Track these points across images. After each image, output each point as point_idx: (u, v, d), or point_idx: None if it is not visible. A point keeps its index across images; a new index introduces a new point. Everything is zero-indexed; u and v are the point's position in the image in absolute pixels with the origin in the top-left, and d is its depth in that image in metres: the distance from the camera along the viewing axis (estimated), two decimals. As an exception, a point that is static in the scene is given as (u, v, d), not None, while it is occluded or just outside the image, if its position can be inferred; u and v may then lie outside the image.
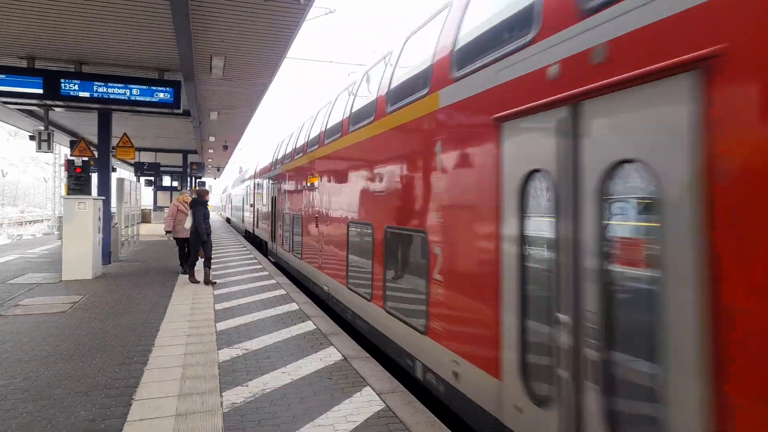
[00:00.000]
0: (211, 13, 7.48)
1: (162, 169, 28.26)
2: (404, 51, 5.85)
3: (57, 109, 11.52)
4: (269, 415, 3.93)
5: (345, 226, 7.53)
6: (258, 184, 19.92)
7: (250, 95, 12.79)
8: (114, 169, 17.54)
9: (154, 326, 6.57)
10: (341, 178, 7.97)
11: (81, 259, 10.25)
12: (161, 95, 10.36)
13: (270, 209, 16.01)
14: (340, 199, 7.89)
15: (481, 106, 3.80)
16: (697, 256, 2.11)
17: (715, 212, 2.06)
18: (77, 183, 11.88)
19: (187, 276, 10.62)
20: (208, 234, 9.90)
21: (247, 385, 4.55)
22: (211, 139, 20.14)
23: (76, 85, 9.92)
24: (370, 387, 4.57)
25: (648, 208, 2.46)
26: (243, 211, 27.99)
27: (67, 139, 17.76)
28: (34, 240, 22.95)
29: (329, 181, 8.72)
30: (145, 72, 10.43)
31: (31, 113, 14.04)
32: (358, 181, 7.01)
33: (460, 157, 4.17)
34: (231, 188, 42.91)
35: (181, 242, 11.14)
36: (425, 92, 4.82)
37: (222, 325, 6.71)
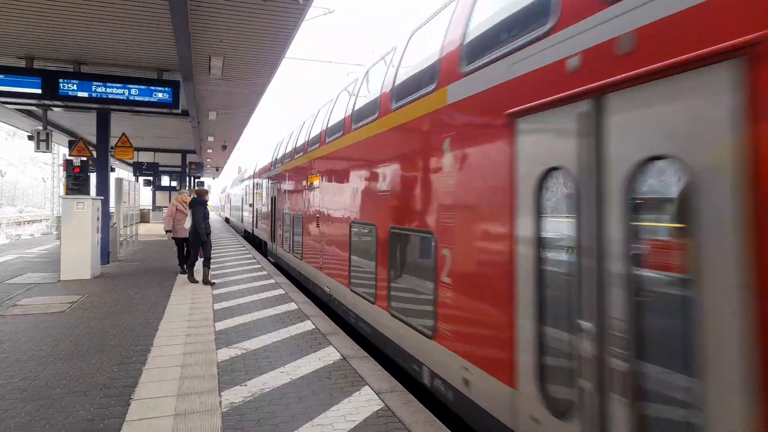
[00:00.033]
0: (210, 13, 7.48)
1: (161, 169, 28.26)
2: (409, 46, 5.67)
3: (55, 109, 11.51)
4: (268, 414, 3.94)
5: (347, 227, 7.36)
6: (257, 184, 19.81)
7: (249, 95, 12.79)
8: (113, 169, 17.53)
9: (153, 326, 6.57)
10: (343, 177, 7.79)
11: (79, 259, 10.24)
12: (160, 95, 10.35)
13: (269, 209, 15.89)
14: (342, 199, 7.73)
15: (493, 102, 3.64)
16: (739, 259, 1.97)
17: (758, 211, 1.92)
18: (76, 183, 11.87)
19: (185, 276, 10.62)
20: (208, 234, 9.90)
21: (245, 385, 4.55)
22: (210, 139, 20.13)
23: (75, 85, 9.91)
24: (369, 386, 4.58)
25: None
26: (242, 211, 27.92)
27: (65, 139, 17.74)
28: (32, 240, 22.91)
29: (331, 180, 8.54)
30: (144, 72, 10.42)
31: (29, 113, 14.03)
32: (360, 180, 6.84)
33: (470, 155, 4.00)
34: (230, 188, 42.86)
35: (179, 242, 11.14)
36: (432, 88, 4.65)
37: (221, 325, 6.71)
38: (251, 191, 22.28)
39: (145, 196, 28.23)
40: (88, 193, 11.87)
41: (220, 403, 4.14)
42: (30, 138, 12.00)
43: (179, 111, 10.89)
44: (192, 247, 10.12)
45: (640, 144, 2.42)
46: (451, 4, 4.70)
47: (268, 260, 14.92)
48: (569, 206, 2.91)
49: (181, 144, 22.20)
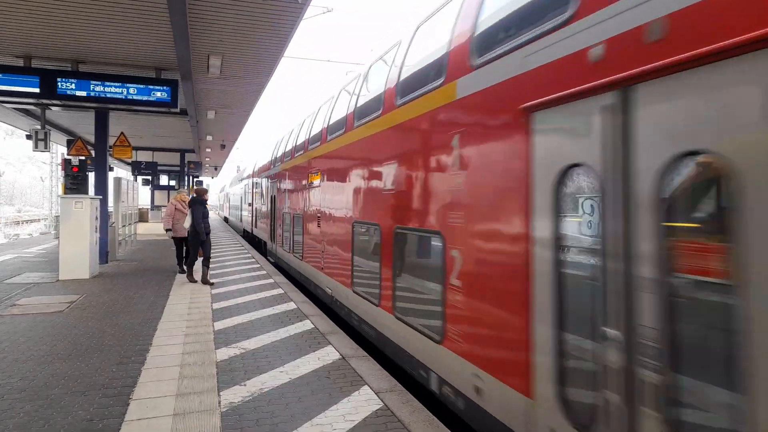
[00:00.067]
0: (209, 12, 7.46)
1: (159, 168, 28.23)
2: (415, 40, 5.48)
3: (54, 108, 11.48)
4: (267, 414, 3.93)
5: (350, 227, 7.19)
6: (257, 183, 19.69)
7: (248, 94, 12.77)
8: (111, 169, 17.50)
9: (152, 325, 6.56)
10: (346, 176, 7.59)
11: (78, 259, 10.23)
12: (158, 94, 10.33)
13: (269, 208, 15.76)
14: (344, 198, 7.55)
15: (507, 95, 3.47)
16: None
17: None
18: (74, 182, 11.85)
19: (184, 275, 10.62)
20: (207, 233, 9.88)
21: (245, 385, 4.55)
22: (209, 138, 20.11)
23: (73, 84, 9.89)
24: (368, 386, 4.58)
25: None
26: (241, 210, 27.84)
27: (64, 138, 17.70)
28: (31, 239, 22.87)
29: (332, 179, 8.36)
30: (143, 71, 10.40)
31: (27, 112, 14.00)
32: (363, 179, 6.66)
33: (482, 151, 3.81)
34: (229, 187, 42.79)
35: (178, 241, 11.13)
36: (440, 82, 4.47)
37: (220, 325, 6.70)
38: (250, 190, 22.18)
39: (143, 195, 28.22)
40: (86, 193, 11.85)
41: (219, 402, 4.14)
42: (28, 137, 11.98)
43: (178, 110, 10.87)
44: (192, 246, 10.10)
45: (674, 138, 2.24)
46: None
47: (268, 260, 14.81)
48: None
49: (179, 143, 22.17)
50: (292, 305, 8.05)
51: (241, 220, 27.87)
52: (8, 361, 5.07)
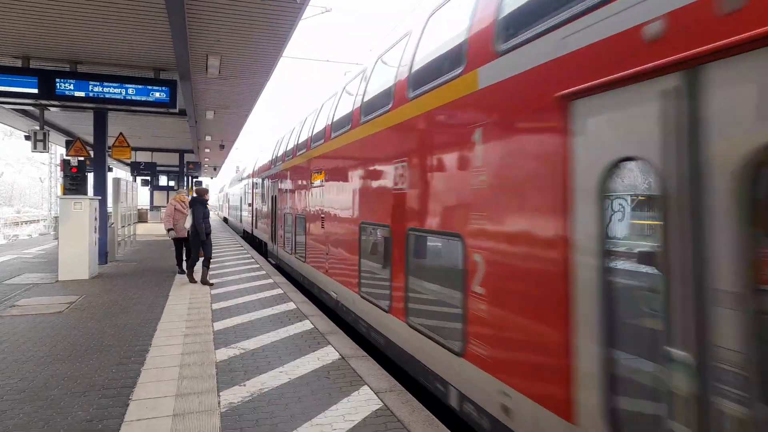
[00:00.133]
0: (207, 12, 7.46)
1: (158, 168, 28.18)
2: (427, 29, 5.15)
3: (52, 108, 11.48)
4: (267, 414, 3.94)
5: (356, 228, 6.84)
6: (257, 183, 19.54)
7: (247, 94, 12.76)
8: (110, 169, 17.49)
9: (151, 326, 6.56)
10: (352, 175, 7.22)
11: (77, 259, 10.22)
12: (157, 95, 10.32)
13: (270, 209, 15.53)
14: (350, 197, 7.22)
15: (539, 83, 3.13)
16: None
17: None
18: (73, 183, 11.84)
19: (184, 276, 10.61)
20: (208, 233, 9.87)
21: (244, 385, 4.55)
22: (208, 138, 20.09)
23: (72, 85, 9.88)
24: (368, 386, 4.58)
25: None
26: (241, 210, 27.77)
27: (62, 138, 17.68)
28: (30, 240, 22.86)
29: (338, 178, 8.01)
30: (141, 71, 10.40)
31: (26, 113, 13.99)
32: (371, 178, 6.31)
33: (509, 145, 3.47)
34: (228, 187, 42.73)
35: (178, 242, 11.12)
36: (459, 72, 4.13)
37: (219, 325, 6.70)
38: (250, 190, 22.07)
39: (142, 195, 28.20)
40: (85, 193, 11.84)
41: (219, 403, 4.14)
42: (27, 138, 11.97)
43: (176, 110, 10.87)
44: (192, 246, 10.09)
45: (757, 127, 1.90)
46: None
47: (269, 261, 14.65)
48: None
49: (178, 143, 22.16)
50: (291, 305, 8.05)
51: (240, 221, 27.80)
52: (8, 361, 5.07)
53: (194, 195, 10.26)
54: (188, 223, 10.31)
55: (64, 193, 11.77)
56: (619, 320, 2.55)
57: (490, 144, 3.69)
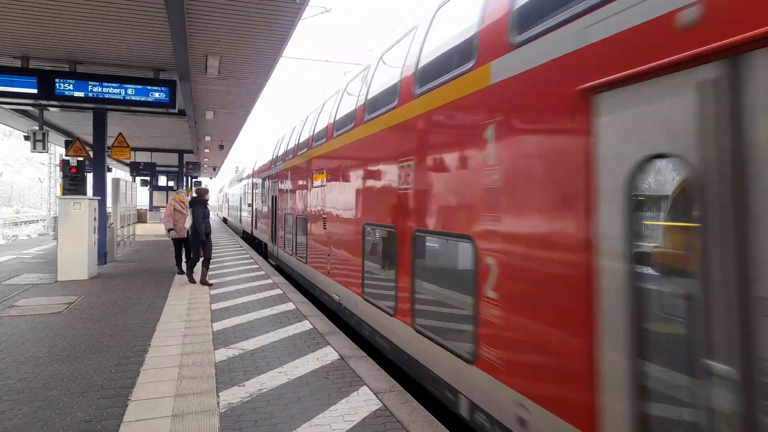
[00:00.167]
0: (207, 12, 7.45)
1: (158, 168, 28.17)
2: (434, 23, 4.98)
3: (52, 109, 11.48)
4: (266, 415, 3.93)
5: (360, 229, 6.68)
6: (256, 183, 19.45)
7: (246, 95, 12.76)
8: (110, 169, 17.49)
9: (151, 326, 6.56)
10: (355, 174, 7.02)
11: (76, 260, 10.22)
12: (156, 95, 10.32)
13: (270, 209, 15.40)
14: (353, 197, 7.04)
15: (558, 76, 2.97)
16: None
17: None
18: (72, 183, 11.83)
19: (183, 276, 10.61)
20: (208, 234, 9.85)
21: (243, 385, 4.55)
22: (207, 138, 20.09)
23: (71, 85, 9.87)
24: (367, 386, 4.58)
25: None
26: (240, 211, 27.71)
27: (62, 139, 17.67)
28: (29, 240, 22.84)
29: (340, 177, 7.80)
30: (141, 71, 10.39)
31: (25, 113, 13.98)
32: (376, 177, 6.11)
33: (525, 143, 3.30)
34: (228, 187, 42.71)
35: (177, 242, 11.11)
36: (470, 66, 3.96)
37: (218, 325, 6.70)
38: (250, 190, 22.00)
39: (142, 196, 28.19)
40: (84, 194, 11.84)
41: (218, 403, 4.14)
42: (26, 138, 11.96)
43: (176, 111, 10.86)
44: (192, 247, 10.08)
45: None
46: None
47: (269, 262, 14.55)
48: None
49: (178, 144, 22.15)
50: (290, 306, 8.05)
51: (240, 221, 27.75)
52: (7, 362, 5.06)
53: (194, 195, 10.25)
54: (188, 223, 10.30)
55: (64, 194, 11.76)
56: (650, 329, 2.38)
57: (504, 141, 3.50)
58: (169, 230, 10.79)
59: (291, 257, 11.93)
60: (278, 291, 9.35)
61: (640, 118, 2.39)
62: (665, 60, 2.22)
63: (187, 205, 10.65)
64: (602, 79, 2.57)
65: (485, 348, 3.65)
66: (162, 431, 3.62)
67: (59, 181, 13.57)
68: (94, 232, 10.92)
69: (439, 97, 4.48)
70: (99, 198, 11.62)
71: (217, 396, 4.29)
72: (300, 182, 10.98)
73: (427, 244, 4.87)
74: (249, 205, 22.42)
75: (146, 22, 7.83)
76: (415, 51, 5.21)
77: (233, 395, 4.32)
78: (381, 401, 4.23)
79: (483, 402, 3.67)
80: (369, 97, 6.60)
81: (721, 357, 1.99)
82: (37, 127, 11.62)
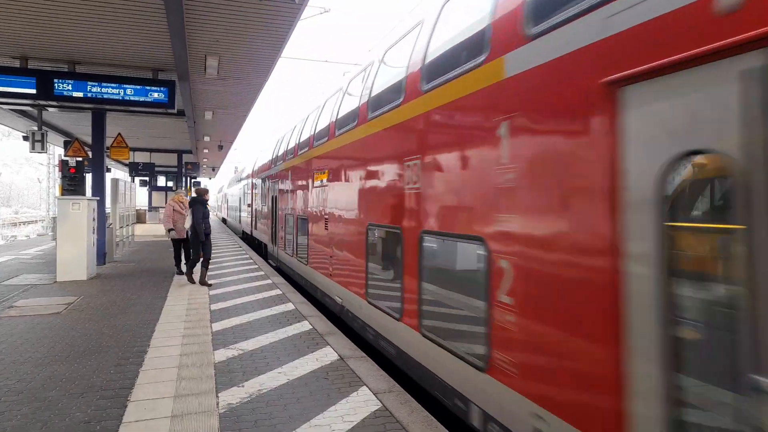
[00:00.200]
0: (206, 12, 7.45)
1: (157, 169, 28.14)
2: (442, 16, 4.82)
3: (50, 109, 11.45)
4: (265, 415, 3.93)
5: (363, 230, 6.48)
6: (256, 183, 19.34)
7: (245, 95, 12.76)
8: (108, 170, 17.48)
9: (150, 327, 6.55)
10: (358, 173, 6.85)
11: (75, 260, 10.21)
12: (155, 95, 10.31)
13: (270, 210, 15.26)
14: (356, 198, 6.87)
15: (579, 68, 2.80)
16: None
17: None
18: (71, 183, 11.81)
19: (182, 276, 10.60)
20: (207, 234, 9.84)
21: (243, 386, 4.54)
22: (206, 138, 20.07)
23: (70, 85, 9.86)
24: (367, 387, 4.57)
25: None
26: (240, 211, 27.67)
27: (61, 139, 17.65)
28: (28, 241, 22.82)
29: (343, 177, 7.63)
30: (139, 72, 10.38)
31: (24, 113, 13.96)
32: (380, 176, 5.94)
33: (543, 140, 3.14)
34: (227, 188, 42.67)
35: (177, 242, 11.10)
36: (481, 60, 3.78)
37: (218, 326, 6.69)
38: (249, 191, 21.90)
39: (141, 196, 28.16)
40: (83, 194, 11.82)
41: (218, 404, 4.13)
42: (25, 138, 11.93)
43: (175, 111, 10.86)
44: (193, 247, 10.07)
45: None
46: None
47: (269, 263, 14.46)
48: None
49: (177, 144, 22.14)
50: (290, 306, 8.04)
51: (240, 222, 27.69)
52: (6, 363, 5.05)
53: (194, 195, 10.25)
54: (188, 223, 10.28)
55: (63, 194, 11.74)
56: (686, 340, 2.22)
57: (519, 138, 3.33)
58: (169, 230, 10.77)
59: (292, 258, 11.81)
60: (278, 291, 9.34)
61: (673, 112, 2.22)
62: (704, 48, 2.05)
63: (187, 206, 10.64)
64: (630, 71, 2.40)
65: (499, 355, 3.47)
66: (161, 432, 3.62)
67: (58, 181, 13.55)
68: (93, 233, 10.91)
69: (448, 93, 4.31)
70: (98, 198, 11.61)
71: (217, 397, 4.29)
72: (301, 182, 10.80)
73: (434, 245, 4.69)
74: (248, 205, 22.36)
75: (145, 22, 7.83)
76: (421, 46, 5.04)
77: (233, 396, 4.31)
78: (380, 401, 4.23)
79: (497, 412, 3.49)
80: (373, 94, 6.43)
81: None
82: (35, 128, 11.60)
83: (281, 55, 9.61)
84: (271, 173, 15.30)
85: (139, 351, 5.52)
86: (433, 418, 3.96)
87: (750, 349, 1.91)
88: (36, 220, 45.35)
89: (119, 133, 13.88)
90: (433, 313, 4.70)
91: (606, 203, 2.57)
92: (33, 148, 11.47)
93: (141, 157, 25.31)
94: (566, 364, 2.84)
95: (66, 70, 10.07)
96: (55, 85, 9.76)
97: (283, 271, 13.04)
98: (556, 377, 2.92)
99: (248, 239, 22.53)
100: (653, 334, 2.28)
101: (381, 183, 5.93)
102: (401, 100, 5.33)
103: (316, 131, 9.60)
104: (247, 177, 23.42)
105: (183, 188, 26.03)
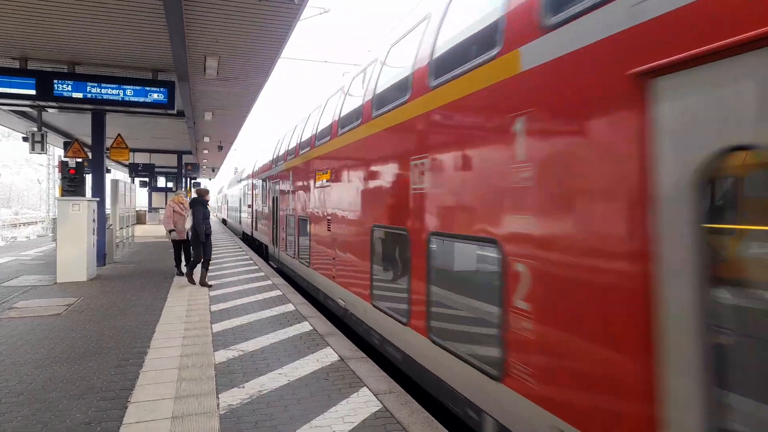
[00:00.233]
0: (205, 12, 7.45)
1: (157, 170, 28.14)
2: (451, 9, 4.65)
3: (50, 110, 11.45)
4: (266, 416, 3.92)
5: (368, 231, 6.32)
6: (257, 184, 19.26)
7: (245, 95, 12.75)
8: (108, 171, 17.46)
9: (150, 328, 6.54)
10: (362, 173, 6.71)
11: (75, 261, 10.20)
12: (155, 96, 10.31)
13: (271, 210, 15.14)
14: (359, 198, 6.73)
15: (605, 60, 2.63)
16: None
17: None
18: (71, 184, 11.81)
19: (182, 277, 10.59)
20: (207, 235, 9.83)
21: (243, 387, 4.54)
22: (206, 139, 20.07)
23: (70, 86, 9.86)
24: (367, 387, 4.57)
25: None
26: (240, 212, 27.62)
27: (60, 140, 17.63)
28: (28, 242, 22.82)
29: (345, 177, 7.49)
30: (139, 72, 10.38)
31: (24, 114, 13.95)
32: (386, 176, 5.78)
33: (564, 136, 2.96)
34: (227, 188, 42.65)
35: (177, 244, 11.09)
36: (495, 53, 3.61)
37: (218, 327, 6.69)
38: (250, 191, 21.83)
39: (141, 197, 28.15)
40: (83, 195, 11.82)
41: (218, 405, 4.13)
42: (25, 139, 11.93)
43: (175, 111, 10.85)
44: (194, 247, 10.06)
45: None
46: None
47: (270, 265, 14.35)
48: None
49: (177, 145, 22.13)
50: (290, 307, 8.04)
51: (240, 223, 27.65)
52: (6, 364, 5.05)
53: (194, 196, 10.24)
54: (188, 224, 10.27)
55: (62, 195, 11.74)
56: (732, 359, 2.06)
57: (537, 135, 3.16)
58: (170, 231, 10.76)
59: (293, 260, 11.70)
60: (278, 292, 9.34)
61: (715, 104, 2.04)
62: (753, 33, 1.87)
63: (187, 206, 10.64)
64: (664, 60, 2.21)
65: (515, 364, 3.29)
66: (162, 433, 3.61)
67: (58, 182, 13.55)
68: (93, 234, 10.90)
69: (458, 89, 4.14)
70: (98, 199, 11.60)
71: (217, 398, 4.28)
72: (303, 182, 10.62)
73: (444, 248, 4.53)
74: (249, 206, 22.30)
75: (145, 22, 7.83)
76: (429, 41, 4.86)
77: (233, 397, 4.31)
78: (381, 402, 4.23)
79: (513, 424, 3.32)
80: (377, 92, 6.26)
81: None
82: (35, 129, 11.59)
83: (281, 56, 9.60)
84: (272, 173, 15.18)
85: (139, 352, 5.52)
86: (433, 419, 3.96)
87: None
88: (36, 221, 45.35)
89: (119, 134, 13.88)
90: (442, 318, 4.53)
91: (635, 201, 2.39)
92: (33, 149, 11.46)
93: (141, 158, 25.31)
94: (590, 375, 2.68)
95: (66, 70, 10.07)
96: (55, 85, 9.76)
97: (284, 272, 12.94)
98: (580, 389, 2.76)
99: (249, 240, 22.48)
100: (691, 345, 2.11)
101: (386, 183, 5.78)
102: (408, 97, 5.16)
103: (318, 130, 9.46)
104: (248, 177, 23.36)
105: (183, 189, 26.02)
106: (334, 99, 8.76)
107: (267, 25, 7.95)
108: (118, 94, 10.17)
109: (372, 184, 6.28)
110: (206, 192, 10.40)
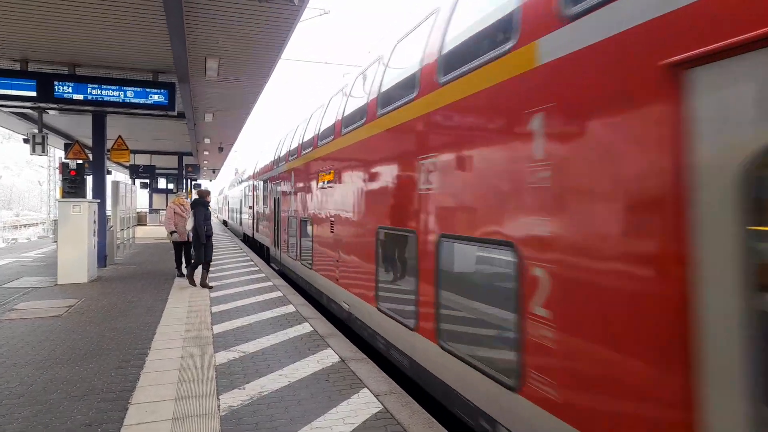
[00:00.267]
0: (206, 14, 7.46)
1: (157, 171, 28.17)
2: (459, 4, 4.50)
3: (51, 111, 11.47)
4: (266, 418, 3.92)
5: (373, 233, 6.13)
6: (258, 185, 19.15)
7: (245, 97, 12.77)
8: (109, 172, 17.48)
9: (151, 329, 6.55)
10: (366, 174, 6.51)
11: (76, 263, 10.21)
12: (156, 97, 10.33)
13: (272, 212, 15.03)
14: (364, 199, 6.56)
15: (633, 50, 2.45)
16: None
17: None
18: (72, 186, 11.82)
19: (183, 279, 10.59)
20: (209, 236, 9.82)
21: (244, 388, 4.54)
22: (207, 141, 20.09)
23: (70, 88, 9.88)
24: (368, 389, 4.57)
25: None
26: (241, 213, 27.59)
27: (61, 141, 17.65)
28: (29, 243, 22.84)
29: (349, 178, 7.28)
30: (140, 74, 10.40)
31: (24, 116, 13.98)
32: (392, 176, 5.61)
33: (588, 133, 2.77)
34: (228, 190, 42.64)
35: (177, 245, 11.09)
36: (510, 47, 3.43)
37: (219, 328, 6.69)
38: (251, 192, 21.74)
39: (141, 198, 28.19)
40: (84, 196, 11.83)
41: (219, 406, 4.13)
42: (26, 141, 11.94)
43: (175, 113, 10.86)
44: (195, 249, 10.06)
45: None
46: None
47: (271, 267, 14.26)
48: None
49: (177, 146, 22.14)
50: (291, 308, 8.04)
51: (241, 224, 27.61)
52: (6, 366, 5.05)
53: (196, 197, 10.25)
54: (189, 225, 10.28)
55: (63, 196, 11.76)
56: None
57: (557, 132, 2.98)
58: (171, 233, 10.76)
59: (295, 262, 11.53)
60: (278, 293, 9.34)
61: (761, 95, 1.88)
62: None
63: (187, 208, 10.64)
64: (702, 49, 2.05)
65: (533, 374, 3.12)
66: (162, 435, 3.61)
67: (59, 184, 13.57)
68: (94, 235, 10.91)
69: (470, 85, 3.94)
70: (99, 201, 11.62)
71: (218, 399, 4.28)
72: (305, 183, 10.40)
73: (454, 251, 4.35)
74: (250, 207, 22.24)
75: (145, 24, 7.84)
76: (437, 36, 4.67)
77: (234, 398, 4.31)
78: (382, 403, 4.22)
79: None
80: (383, 89, 6.07)
81: None
82: (36, 130, 11.61)
83: (281, 57, 9.61)
84: (273, 174, 15.06)
85: (140, 353, 5.52)
86: (434, 420, 3.95)
87: None
88: (37, 223, 45.40)
89: (120, 136, 13.90)
90: (453, 324, 4.33)
91: (671, 202, 2.22)
92: (33, 150, 11.47)
93: (141, 160, 25.34)
94: (616, 389, 2.52)
95: (66, 72, 10.09)
96: (56, 87, 9.78)
97: (286, 275, 12.81)
98: (605, 403, 2.59)
99: (249, 242, 22.43)
100: (735, 358, 1.94)
101: (392, 183, 5.59)
102: (415, 94, 4.98)
103: (321, 130, 9.20)
104: (248, 179, 23.31)
105: (184, 191, 26.04)
106: (337, 98, 8.60)
107: (267, 27, 7.96)
108: (119, 96, 10.19)
109: (377, 184, 6.08)
110: (207, 193, 10.39)
